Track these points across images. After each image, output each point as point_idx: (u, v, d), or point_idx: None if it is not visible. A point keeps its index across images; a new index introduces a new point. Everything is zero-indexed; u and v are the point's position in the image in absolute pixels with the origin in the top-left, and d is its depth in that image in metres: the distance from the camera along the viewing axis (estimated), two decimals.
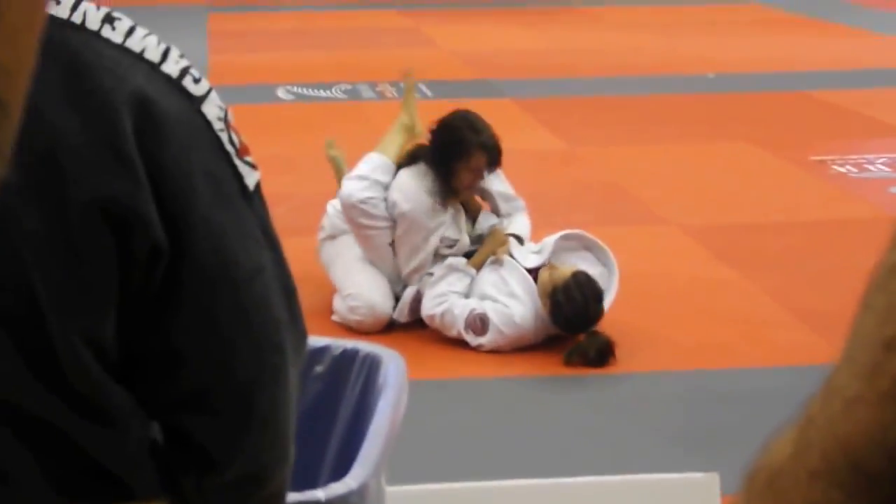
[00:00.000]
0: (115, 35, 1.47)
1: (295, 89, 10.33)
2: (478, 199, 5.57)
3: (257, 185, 1.54)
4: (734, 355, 5.15)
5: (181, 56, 1.52)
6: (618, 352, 5.04)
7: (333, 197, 5.72)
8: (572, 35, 13.62)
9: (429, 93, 10.05)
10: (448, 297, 5.22)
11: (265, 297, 1.52)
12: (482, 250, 5.36)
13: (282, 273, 1.55)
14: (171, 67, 1.49)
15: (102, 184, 1.40)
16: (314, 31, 14.15)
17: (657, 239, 6.59)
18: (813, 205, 7.20)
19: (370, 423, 2.58)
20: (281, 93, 10.21)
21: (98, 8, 1.48)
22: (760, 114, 9.47)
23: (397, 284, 5.43)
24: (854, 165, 7.99)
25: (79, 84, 1.42)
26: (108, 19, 1.47)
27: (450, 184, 5.30)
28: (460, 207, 5.44)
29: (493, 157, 5.30)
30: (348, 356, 2.86)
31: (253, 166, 1.54)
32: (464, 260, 5.33)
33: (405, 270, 5.38)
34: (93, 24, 1.46)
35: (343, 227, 5.55)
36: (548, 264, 5.20)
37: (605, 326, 5.14)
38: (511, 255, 5.31)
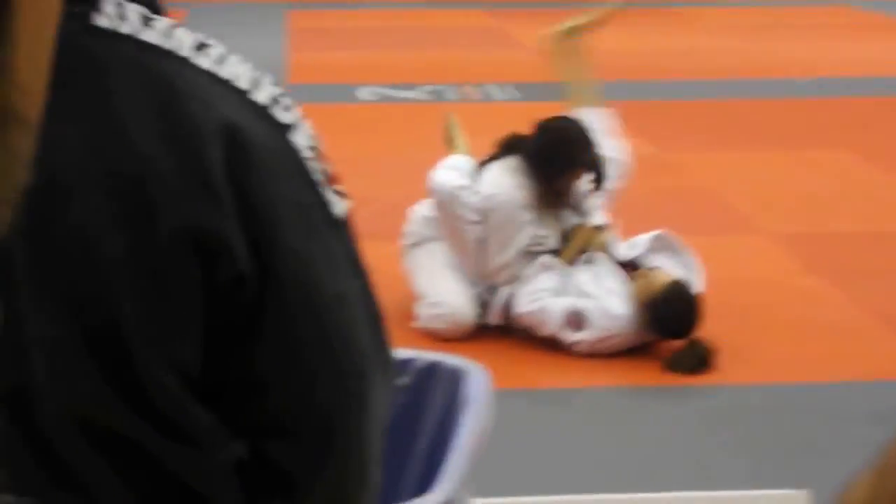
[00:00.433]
0: (206, 62, 1.48)
1: (377, 90, 10.30)
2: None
3: (346, 215, 1.54)
4: (827, 369, 5.06)
5: (273, 84, 1.52)
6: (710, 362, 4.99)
7: (416, 201, 5.68)
8: (663, 36, 13.50)
9: (517, 94, 10.00)
10: (542, 294, 5.19)
11: (350, 325, 1.53)
12: (572, 245, 5.32)
13: (368, 300, 1.55)
14: (262, 96, 1.50)
15: (190, 213, 1.42)
16: (396, 29, 14.14)
17: (748, 248, 6.50)
18: None
19: (454, 437, 2.58)
20: (362, 93, 10.18)
21: (189, 34, 1.49)
22: (857, 120, 9.32)
23: (483, 287, 5.39)
24: None
25: (169, 112, 1.43)
26: (201, 46, 1.49)
27: (546, 186, 5.28)
28: (549, 208, 5.38)
29: (600, 177, 5.31)
30: (432, 369, 2.85)
31: (342, 195, 1.54)
32: (555, 259, 5.29)
33: (493, 265, 5.33)
34: (185, 50, 1.48)
35: (427, 235, 5.51)
36: (640, 271, 5.16)
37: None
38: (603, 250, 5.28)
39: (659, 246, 5.31)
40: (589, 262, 5.27)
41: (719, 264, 5.70)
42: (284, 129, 1.50)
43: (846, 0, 16.15)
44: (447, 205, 5.34)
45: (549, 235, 5.32)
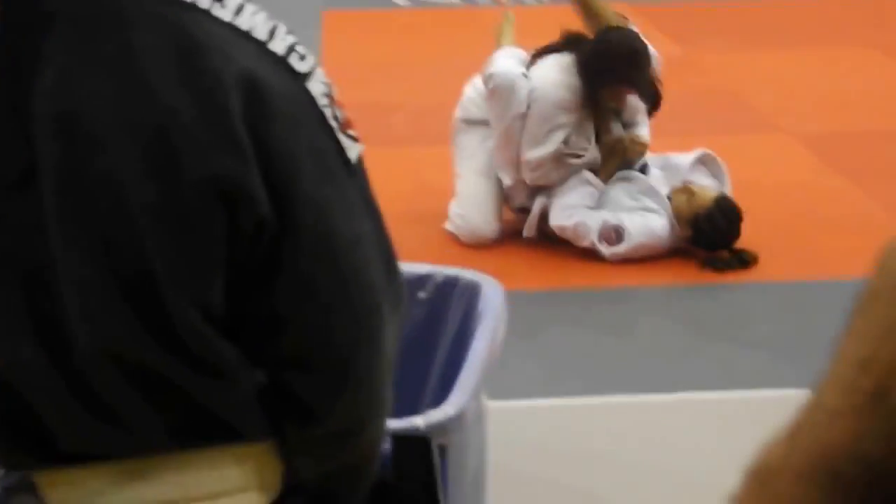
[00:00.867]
0: (224, 13, 1.55)
1: None
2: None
3: (359, 158, 1.62)
4: (847, 266, 5.12)
5: (288, 33, 1.59)
6: None
7: (451, 107, 5.52)
8: None
9: None
10: (578, 209, 5.18)
11: (364, 264, 1.61)
12: (610, 160, 5.26)
13: (381, 238, 1.64)
14: (278, 45, 1.57)
15: (213, 161, 1.49)
16: None
17: (771, 147, 6.52)
18: None
19: (469, 349, 2.65)
20: None
21: None
22: (881, 17, 9.27)
23: (523, 192, 5.32)
24: None
25: (190, 63, 1.50)
26: None
27: (590, 94, 5.15)
28: (591, 117, 5.24)
29: (652, 103, 5.24)
30: (450, 282, 2.92)
31: (355, 139, 1.62)
32: (592, 175, 5.24)
33: (523, 159, 5.17)
34: (204, 2, 1.55)
35: (476, 116, 5.36)
36: (683, 187, 5.17)
37: None
38: (640, 170, 5.28)
39: (696, 162, 5.33)
40: (626, 179, 5.24)
41: (742, 164, 5.73)
42: (301, 77, 1.57)
43: None
44: (503, 93, 5.16)
45: (588, 148, 5.22)
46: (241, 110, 1.50)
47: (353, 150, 1.61)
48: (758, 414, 3.66)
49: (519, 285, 4.48)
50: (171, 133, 1.49)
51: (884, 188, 5.86)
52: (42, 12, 1.51)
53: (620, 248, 5.11)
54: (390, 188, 5.73)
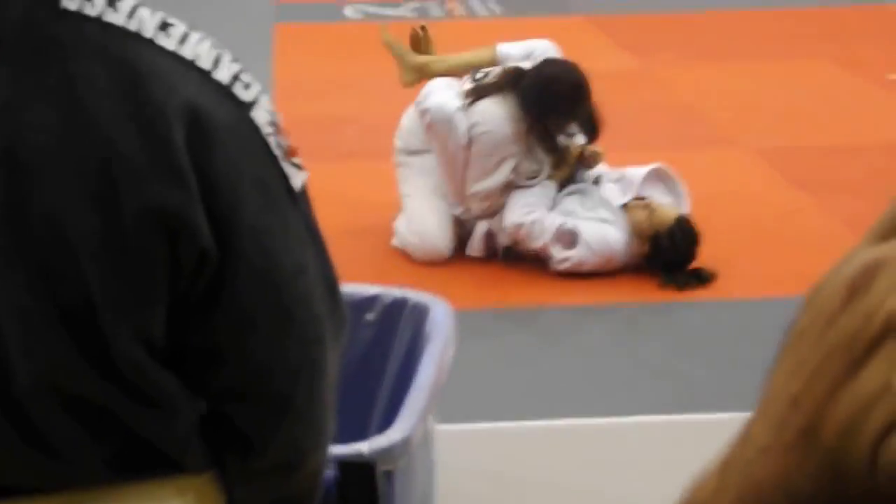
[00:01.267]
0: (169, 42, 1.54)
1: (362, 7, 10.21)
2: None
3: (303, 186, 1.62)
4: (806, 283, 5.04)
5: (233, 61, 1.59)
6: None
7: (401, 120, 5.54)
8: None
9: (497, 9, 9.93)
10: (538, 206, 5.16)
11: (306, 295, 1.61)
12: (562, 169, 5.26)
13: (324, 267, 1.64)
14: (223, 74, 1.57)
15: (155, 193, 1.49)
16: None
17: (729, 162, 6.49)
18: (892, 126, 7.04)
19: (417, 372, 2.60)
20: (348, 11, 10.10)
21: (153, 13, 1.55)
22: (837, 29, 9.26)
23: (467, 216, 5.35)
24: None
25: (133, 94, 1.50)
26: (163, 26, 1.55)
27: (534, 124, 5.18)
28: (538, 139, 5.27)
29: (591, 134, 5.23)
30: (398, 304, 2.92)
31: (299, 167, 1.62)
32: (549, 181, 5.24)
33: (469, 191, 5.25)
34: (148, 31, 1.54)
35: (416, 147, 5.41)
36: (641, 203, 5.14)
37: None
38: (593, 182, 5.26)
39: (653, 178, 5.30)
40: (580, 192, 5.24)
41: (700, 178, 5.69)
42: (245, 106, 1.56)
43: None
44: (440, 127, 5.24)
45: (542, 168, 5.24)
46: (184, 141, 1.50)
47: (297, 179, 1.60)
48: (716, 437, 3.56)
49: (467, 304, 4.41)
50: (112, 164, 1.48)
51: (842, 203, 5.81)
52: None
53: (574, 253, 5.08)
54: (340, 202, 5.75)
